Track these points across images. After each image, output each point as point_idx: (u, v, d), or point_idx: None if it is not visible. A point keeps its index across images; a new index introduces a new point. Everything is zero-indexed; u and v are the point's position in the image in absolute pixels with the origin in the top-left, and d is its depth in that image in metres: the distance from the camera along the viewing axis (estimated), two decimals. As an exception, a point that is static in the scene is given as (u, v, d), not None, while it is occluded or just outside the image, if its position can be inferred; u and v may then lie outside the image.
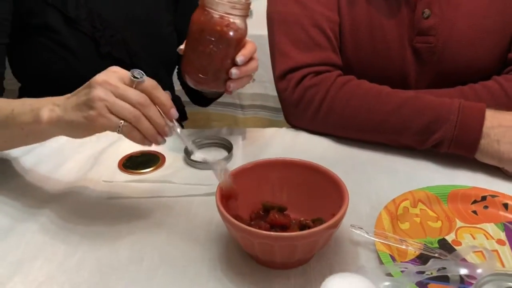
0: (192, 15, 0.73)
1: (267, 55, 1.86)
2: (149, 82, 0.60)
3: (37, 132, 0.67)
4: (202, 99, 1.11)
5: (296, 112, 0.88)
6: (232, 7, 0.70)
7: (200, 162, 0.79)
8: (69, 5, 0.90)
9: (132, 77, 0.59)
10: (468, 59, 0.89)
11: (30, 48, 0.94)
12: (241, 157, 0.81)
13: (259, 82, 1.87)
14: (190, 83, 0.76)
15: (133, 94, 0.59)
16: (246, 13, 0.72)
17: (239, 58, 0.72)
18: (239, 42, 0.73)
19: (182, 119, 1.20)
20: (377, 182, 0.75)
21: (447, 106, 0.77)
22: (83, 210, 0.70)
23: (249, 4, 0.73)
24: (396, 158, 0.81)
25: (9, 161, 0.82)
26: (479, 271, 0.49)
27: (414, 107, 0.79)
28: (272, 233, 0.55)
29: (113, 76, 0.59)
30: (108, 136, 0.85)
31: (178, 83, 1.17)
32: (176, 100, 1.19)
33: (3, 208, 0.70)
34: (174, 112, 0.62)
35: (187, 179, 0.76)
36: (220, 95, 1.03)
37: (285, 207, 0.63)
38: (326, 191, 0.61)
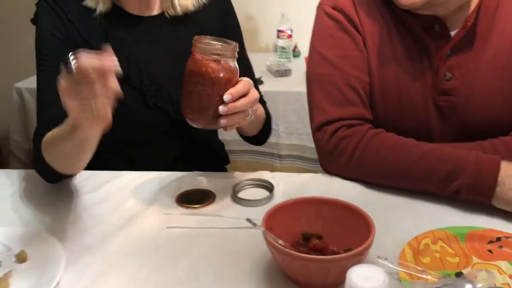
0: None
1: (305, 109, 2.01)
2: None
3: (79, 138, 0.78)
4: (252, 139, 1.19)
5: (331, 160, 0.99)
6: (216, 52, 0.79)
7: (245, 199, 0.91)
8: (122, 65, 1.05)
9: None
10: (487, 117, 0.99)
11: None
12: (281, 197, 0.92)
13: (296, 134, 2.01)
14: (188, 121, 0.85)
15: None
16: (232, 55, 0.81)
17: (226, 96, 0.80)
18: (227, 81, 0.80)
19: (225, 162, 1.33)
20: (402, 222, 0.84)
21: (466, 157, 0.87)
22: (147, 236, 0.82)
23: (234, 47, 0.82)
24: (420, 202, 0.90)
25: (83, 195, 0.96)
26: (479, 285, 0.58)
27: (435, 157, 0.89)
28: (309, 255, 0.65)
29: None
30: (166, 177, 0.99)
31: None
32: (219, 146, 1.33)
33: (83, 231, 0.84)
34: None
35: (234, 213, 0.88)
36: (263, 133, 1.15)
37: (322, 236, 0.73)
38: (355, 226, 0.71)
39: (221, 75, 0.79)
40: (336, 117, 0.98)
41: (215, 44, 0.81)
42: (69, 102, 0.70)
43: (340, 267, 0.64)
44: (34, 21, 1.11)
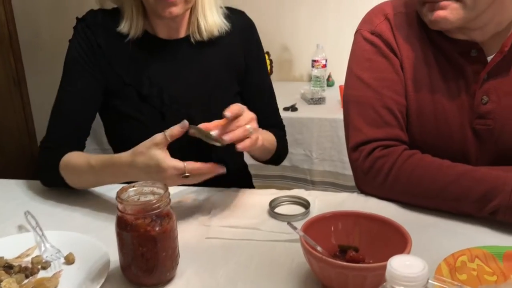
0: None
1: (338, 136, 2.03)
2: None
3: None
4: (267, 161, 1.26)
5: (366, 180, 1.01)
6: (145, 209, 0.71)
7: (282, 214, 0.94)
8: (144, 85, 1.12)
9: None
10: None
11: (113, 119, 1.16)
12: (316, 213, 0.94)
13: (330, 161, 2.02)
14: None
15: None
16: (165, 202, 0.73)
17: (227, 113, 0.87)
18: (167, 232, 0.73)
19: (248, 183, 1.38)
20: (438, 241, 0.84)
21: (503, 178, 0.87)
22: (189, 247, 0.84)
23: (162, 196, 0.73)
24: (456, 222, 0.90)
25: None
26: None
27: (472, 178, 0.89)
28: (347, 263, 0.67)
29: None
30: (208, 191, 1.02)
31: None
32: (243, 168, 1.37)
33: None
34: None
35: (271, 227, 0.90)
36: (275, 157, 1.24)
37: (358, 248, 0.75)
38: (392, 239, 0.72)
39: (157, 228, 0.71)
40: (372, 138, 1.00)
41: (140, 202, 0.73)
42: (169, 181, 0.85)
43: (377, 276, 0.65)
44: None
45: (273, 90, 1.30)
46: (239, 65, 1.20)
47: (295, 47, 2.72)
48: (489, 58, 0.98)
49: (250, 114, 0.92)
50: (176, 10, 1.03)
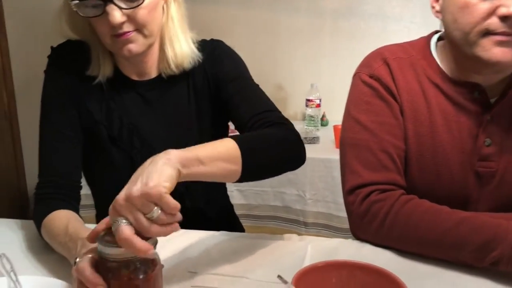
0: None
1: (332, 177, 2.00)
2: None
3: None
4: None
5: (362, 225, 0.96)
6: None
7: (273, 262, 0.88)
8: (114, 125, 1.06)
9: None
10: None
11: (91, 161, 1.10)
12: (309, 261, 0.90)
13: (323, 202, 1.98)
14: None
15: None
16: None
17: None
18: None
19: (233, 224, 1.29)
20: (437, 294, 0.80)
21: (504, 226, 0.83)
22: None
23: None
24: (455, 272, 0.86)
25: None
26: None
27: (471, 225, 0.85)
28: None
29: None
30: (193, 234, 0.98)
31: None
32: (227, 211, 1.29)
33: None
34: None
35: (260, 276, 0.85)
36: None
37: (352, 302, 0.70)
38: (389, 292, 0.68)
39: (141, 276, 0.67)
40: (369, 181, 0.97)
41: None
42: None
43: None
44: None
45: (261, 90, 1.12)
46: (214, 86, 1.11)
47: (290, 86, 2.73)
48: (492, 101, 0.97)
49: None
50: (135, 47, 0.98)
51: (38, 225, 0.96)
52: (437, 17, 1.00)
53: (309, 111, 2.40)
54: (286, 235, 1.01)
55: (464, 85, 0.97)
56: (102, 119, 1.07)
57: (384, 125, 0.99)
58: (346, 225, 1.96)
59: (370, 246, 0.96)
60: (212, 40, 1.15)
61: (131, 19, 0.95)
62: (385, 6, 2.51)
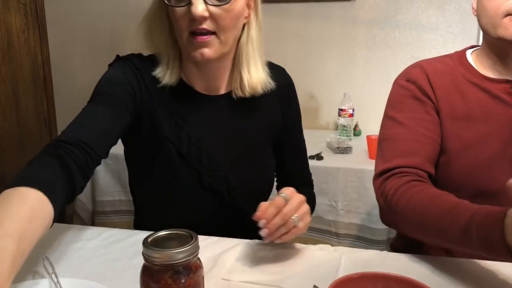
0: None
1: (365, 187, 1.98)
2: None
3: None
4: None
5: (380, 207, 1.02)
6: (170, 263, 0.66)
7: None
8: (183, 142, 1.06)
9: None
10: None
11: (143, 171, 1.10)
12: (343, 273, 0.89)
13: (356, 213, 1.96)
14: None
15: None
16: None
17: (261, 222, 0.85)
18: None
19: None
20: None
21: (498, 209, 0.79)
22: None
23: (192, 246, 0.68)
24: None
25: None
26: None
27: (465, 208, 0.84)
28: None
29: None
30: (226, 242, 0.99)
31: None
32: None
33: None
34: None
35: (294, 285, 0.85)
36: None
37: (388, 315, 0.69)
38: (426, 306, 0.67)
39: (183, 281, 0.67)
40: (394, 166, 1.01)
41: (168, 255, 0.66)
42: None
43: None
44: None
45: (305, 146, 1.26)
46: (277, 125, 1.17)
47: (322, 95, 2.72)
48: None
49: (298, 198, 0.90)
50: (208, 52, 0.98)
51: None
52: (474, 14, 1.08)
53: (342, 120, 2.38)
54: (320, 245, 1.01)
55: (500, 81, 1.04)
56: (170, 136, 1.06)
57: (419, 120, 1.05)
58: (378, 237, 1.93)
59: (406, 258, 0.95)
60: (280, 67, 1.19)
61: (213, 18, 0.97)
62: (421, 15, 2.48)
